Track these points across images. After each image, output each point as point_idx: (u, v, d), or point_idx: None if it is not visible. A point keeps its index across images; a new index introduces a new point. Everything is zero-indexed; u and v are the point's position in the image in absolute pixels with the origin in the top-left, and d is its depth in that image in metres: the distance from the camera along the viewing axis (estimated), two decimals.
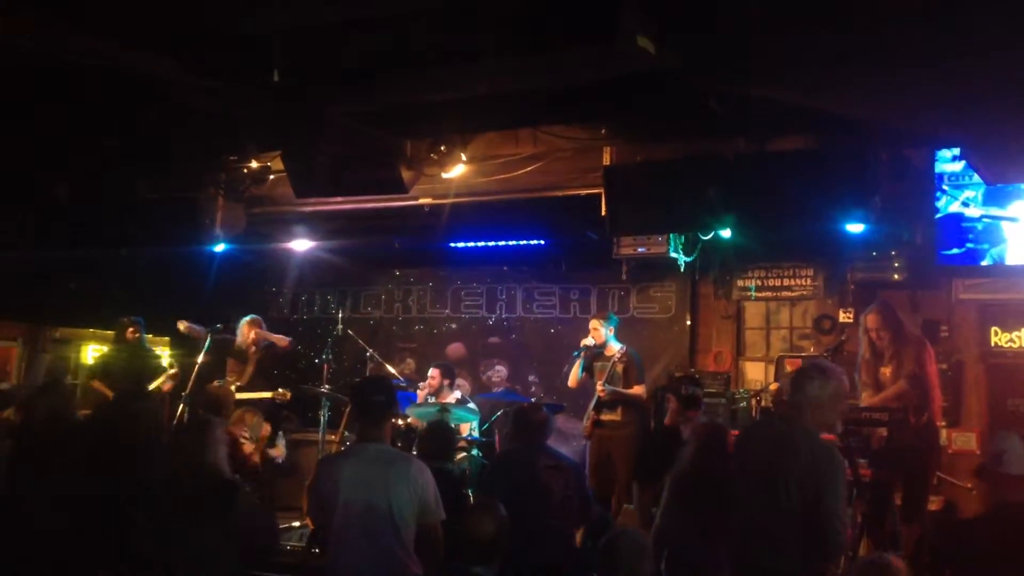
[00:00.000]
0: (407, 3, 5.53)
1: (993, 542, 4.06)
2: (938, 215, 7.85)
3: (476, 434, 8.56)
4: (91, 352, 10.96)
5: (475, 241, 9.94)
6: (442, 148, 7.95)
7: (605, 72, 5.95)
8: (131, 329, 9.23)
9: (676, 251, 8.76)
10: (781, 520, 4.04)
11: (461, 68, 6.10)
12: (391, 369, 9.54)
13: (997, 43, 4.85)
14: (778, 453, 4.11)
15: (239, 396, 8.92)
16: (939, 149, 7.44)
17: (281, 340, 9.36)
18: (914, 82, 5.37)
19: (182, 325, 9.24)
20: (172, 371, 9.04)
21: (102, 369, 9.19)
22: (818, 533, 3.97)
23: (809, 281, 9.10)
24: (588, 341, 8.27)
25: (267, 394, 8.77)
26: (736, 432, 5.61)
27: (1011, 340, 7.98)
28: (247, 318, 9.31)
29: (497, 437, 8.69)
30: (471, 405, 8.68)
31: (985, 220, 7.74)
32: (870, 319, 6.72)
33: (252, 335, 9.18)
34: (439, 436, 6.07)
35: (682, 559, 5.09)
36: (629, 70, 5.56)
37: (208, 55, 6.20)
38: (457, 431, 8.53)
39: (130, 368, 9.05)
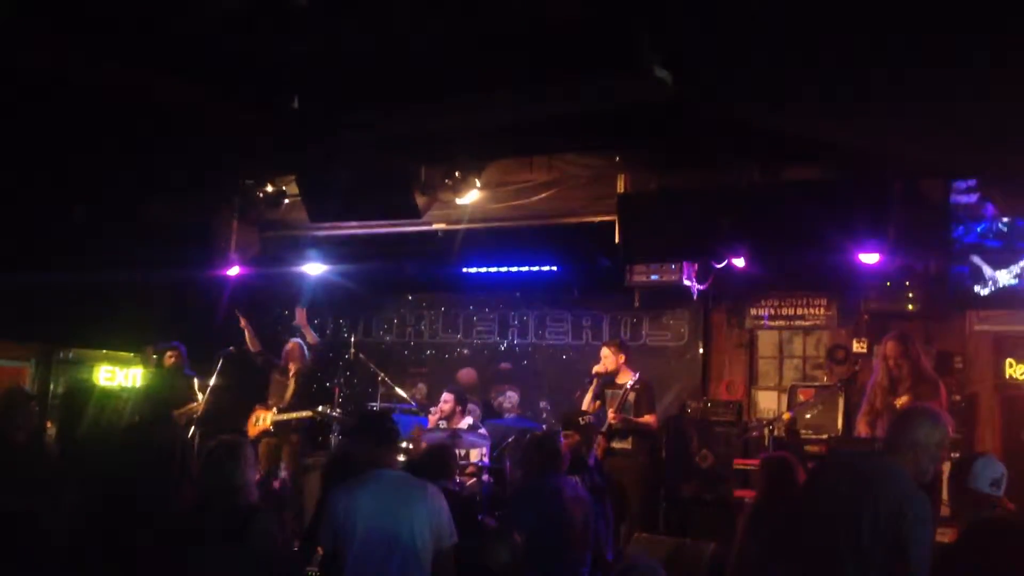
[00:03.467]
0: (425, 31, 5.57)
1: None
2: (953, 246, 7.83)
3: (486, 460, 8.55)
4: (103, 373, 10.98)
5: (488, 267, 9.96)
6: (456, 174, 7.98)
7: (622, 102, 5.98)
8: (169, 354, 9.33)
9: (689, 279, 8.76)
10: (859, 562, 3.75)
11: (477, 96, 6.15)
12: (402, 393, 9.54)
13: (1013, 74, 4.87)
14: (863, 492, 3.81)
15: (280, 417, 9.18)
16: (954, 180, 7.44)
17: (312, 337, 9.70)
18: (930, 115, 5.38)
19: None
20: (195, 404, 9.07)
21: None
22: None
23: (823, 311, 9.09)
24: (600, 368, 8.26)
25: (307, 413, 9.07)
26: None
27: None
28: (290, 340, 9.63)
29: (508, 463, 8.66)
30: (482, 431, 8.67)
31: (1001, 252, 7.72)
32: (890, 347, 6.71)
33: (291, 354, 9.48)
34: (437, 457, 6.07)
35: None
36: (645, 100, 5.58)
37: (227, 80, 6.26)
38: (467, 456, 8.54)
39: (152, 394, 9.12)
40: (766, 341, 9.37)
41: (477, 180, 8.05)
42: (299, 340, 9.61)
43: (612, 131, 6.95)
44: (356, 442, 4.82)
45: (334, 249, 9.82)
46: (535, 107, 6.29)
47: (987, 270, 7.75)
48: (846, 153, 6.39)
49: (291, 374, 9.44)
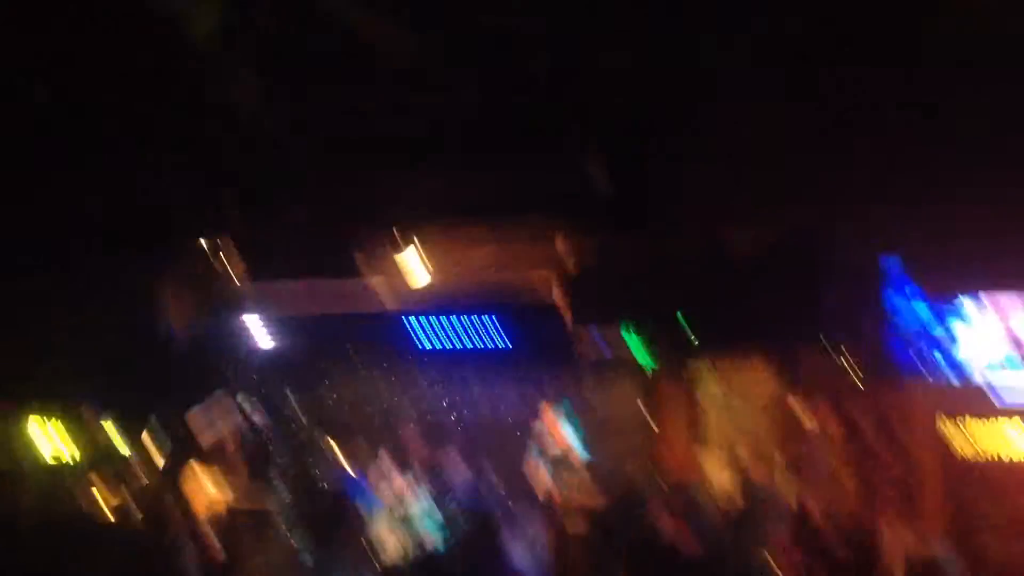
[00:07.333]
0: (367, 100, 5.65)
1: None
2: (889, 318, 7.89)
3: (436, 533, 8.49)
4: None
5: (433, 339, 9.90)
6: (397, 240, 8.01)
7: (561, 178, 6.09)
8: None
9: (637, 350, 8.80)
10: None
11: (421, 164, 6.23)
12: (349, 469, 9.43)
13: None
14: None
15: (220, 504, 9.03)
16: (884, 257, 7.53)
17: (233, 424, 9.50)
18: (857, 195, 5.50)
19: None
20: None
21: None
22: None
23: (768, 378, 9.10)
24: (546, 437, 8.29)
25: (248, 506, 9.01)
26: None
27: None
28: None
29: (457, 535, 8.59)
30: (431, 504, 8.64)
31: (935, 325, 7.80)
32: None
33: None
34: None
35: None
36: (578, 181, 5.70)
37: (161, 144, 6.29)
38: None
39: None
40: (714, 407, 9.36)
41: (418, 249, 8.08)
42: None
43: (552, 205, 7.06)
44: None
45: (278, 324, 9.77)
46: (474, 180, 6.38)
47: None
48: (779, 231, 6.51)
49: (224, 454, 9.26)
